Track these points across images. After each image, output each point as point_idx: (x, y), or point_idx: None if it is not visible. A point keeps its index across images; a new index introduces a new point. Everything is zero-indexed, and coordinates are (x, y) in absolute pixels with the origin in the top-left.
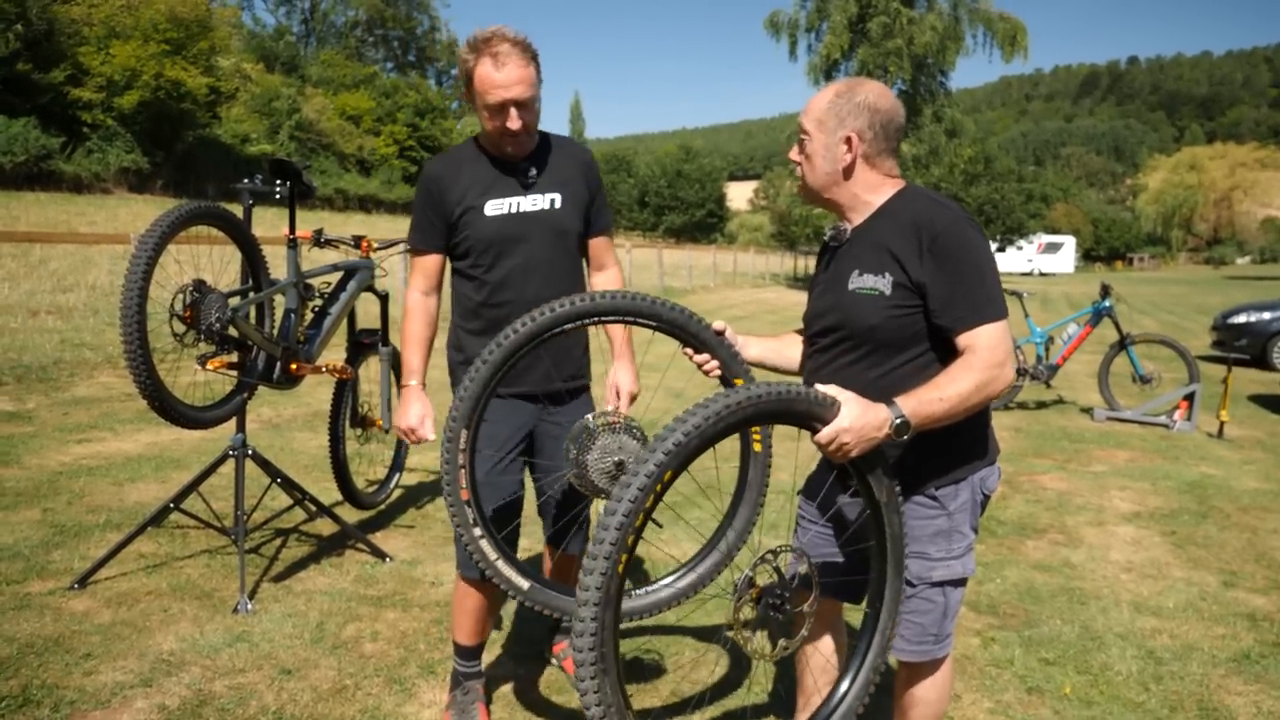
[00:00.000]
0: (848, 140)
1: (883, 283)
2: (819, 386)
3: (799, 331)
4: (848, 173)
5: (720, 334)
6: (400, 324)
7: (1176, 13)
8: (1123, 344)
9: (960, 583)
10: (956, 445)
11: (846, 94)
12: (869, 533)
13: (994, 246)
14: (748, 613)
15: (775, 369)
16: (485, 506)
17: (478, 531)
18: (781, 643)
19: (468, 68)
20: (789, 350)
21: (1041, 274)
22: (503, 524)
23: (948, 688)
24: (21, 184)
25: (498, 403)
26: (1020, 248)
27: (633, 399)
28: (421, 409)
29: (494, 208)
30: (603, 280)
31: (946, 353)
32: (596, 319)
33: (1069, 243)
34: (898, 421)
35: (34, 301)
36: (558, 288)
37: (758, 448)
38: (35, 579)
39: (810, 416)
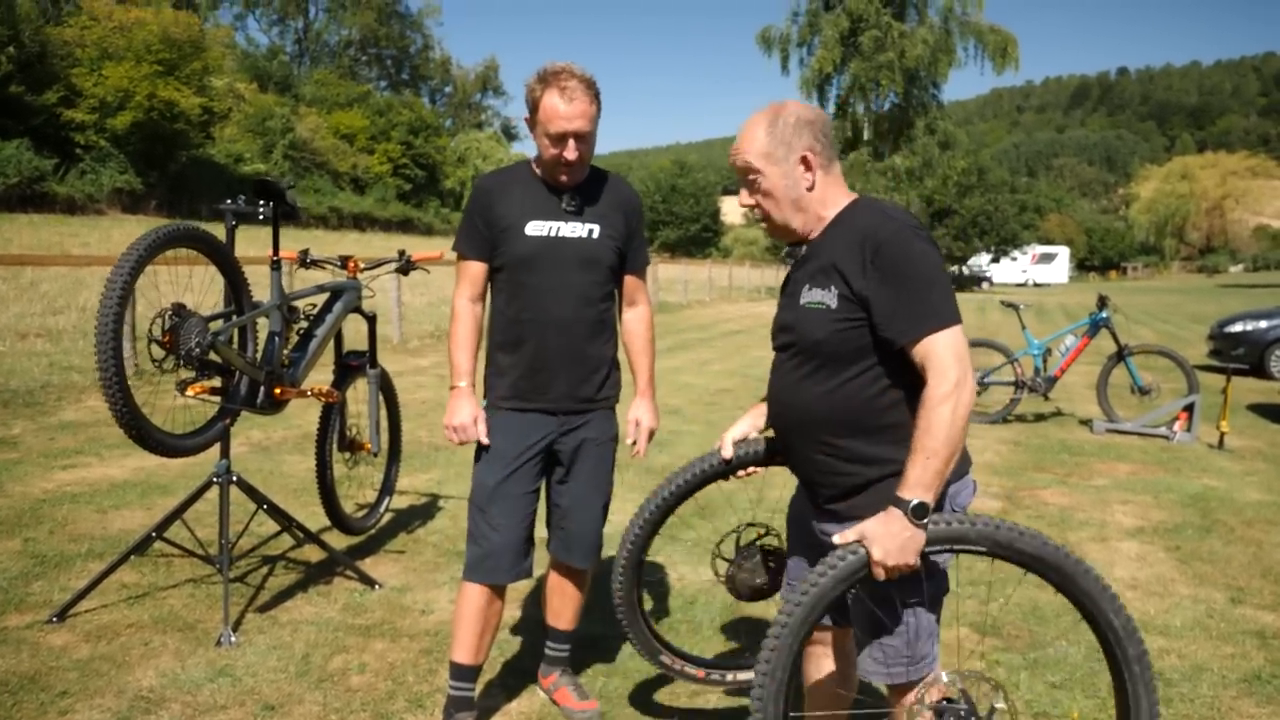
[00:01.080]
0: (804, 160)
1: (829, 296)
2: (836, 538)
3: None
4: (810, 190)
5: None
6: (448, 328)
7: (1165, 22)
8: (1121, 355)
9: (930, 603)
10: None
11: (777, 120)
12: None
13: (988, 258)
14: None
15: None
16: (495, 515)
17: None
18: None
19: (535, 96)
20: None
21: (1036, 284)
22: (512, 532)
23: None
24: (15, 206)
25: (511, 415)
26: (1014, 258)
27: (652, 434)
28: (472, 409)
29: (534, 228)
30: (631, 316)
31: (897, 366)
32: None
33: (1063, 253)
34: (913, 507)
35: (23, 324)
36: (584, 313)
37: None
38: (13, 612)
39: (852, 579)
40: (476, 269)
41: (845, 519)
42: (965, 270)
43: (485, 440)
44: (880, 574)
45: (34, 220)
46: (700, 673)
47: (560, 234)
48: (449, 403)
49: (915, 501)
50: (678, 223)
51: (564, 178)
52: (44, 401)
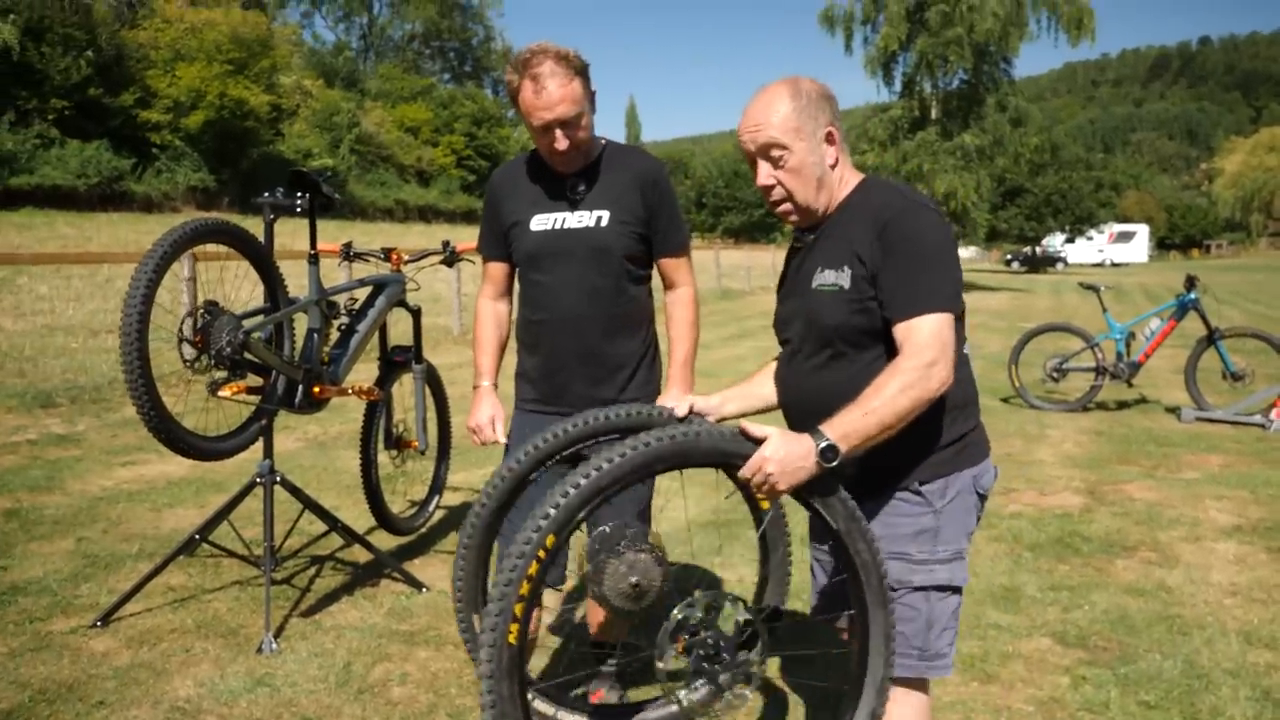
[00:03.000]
0: (829, 136)
1: (842, 277)
2: (743, 424)
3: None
4: (834, 167)
5: (689, 416)
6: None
7: None
8: (1211, 339)
9: (948, 591)
10: (941, 442)
11: (797, 95)
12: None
13: (1062, 238)
14: (676, 663)
15: (761, 413)
16: (514, 519)
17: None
18: (728, 696)
19: (513, 89)
20: (763, 389)
21: (1113, 264)
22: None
23: None
24: (95, 205)
25: (534, 417)
26: (1090, 238)
27: None
28: (491, 409)
29: (539, 223)
30: (670, 300)
31: None
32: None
33: (1142, 231)
34: (823, 447)
35: (96, 321)
36: (596, 308)
37: (765, 504)
38: (59, 616)
39: (726, 455)
40: (495, 268)
41: (866, 499)
42: (1038, 251)
43: (502, 439)
44: (750, 471)
45: (113, 218)
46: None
47: (566, 225)
48: (471, 403)
49: (828, 443)
50: (741, 208)
51: (560, 167)
52: (110, 398)
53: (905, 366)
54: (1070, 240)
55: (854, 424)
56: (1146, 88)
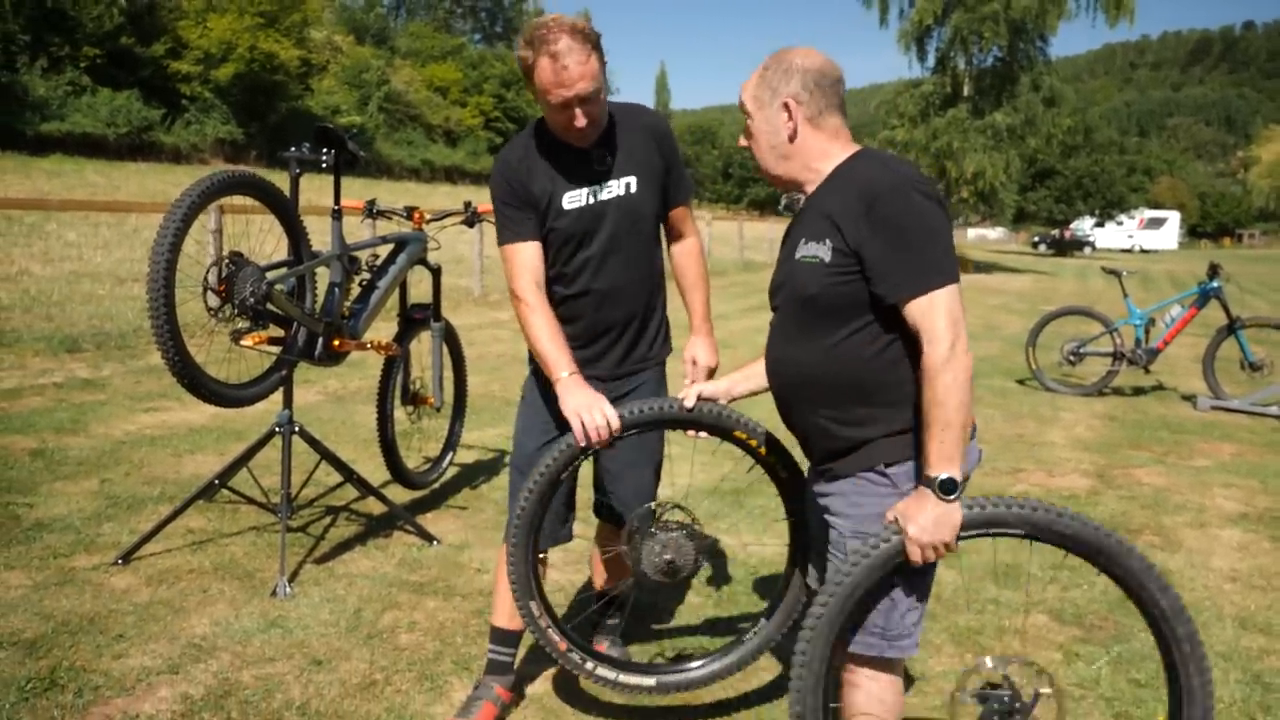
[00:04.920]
0: (785, 107)
1: (823, 250)
2: (887, 518)
3: None
4: (792, 139)
5: (699, 404)
6: (522, 330)
7: None
8: (1231, 327)
9: (913, 573)
10: (911, 422)
11: (774, 65)
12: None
13: (1091, 222)
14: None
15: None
16: (531, 478)
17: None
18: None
19: (526, 64)
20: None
21: (1142, 250)
22: (552, 499)
23: (893, 704)
24: (125, 155)
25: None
26: (1120, 223)
27: (711, 372)
28: (591, 396)
29: (571, 200)
30: (680, 250)
31: (894, 323)
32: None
33: (1173, 218)
34: (940, 482)
35: (123, 270)
36: (633, 273)
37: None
38: (83, 553)
39: (890, 567)
40: (528, 253)
41: (839, 477)
42: (1066, 234)
43: (615, 423)
44: (916, 555)
45: (141, 169)
46: (561, 644)
47: (599, 198)
48: (562, 399)
49: (942, 477)
50: (767, 180)
51: (578, 142)
52: (135, 345)
53: (936, 362)
54: (1099, 224)
55: (943, 446)
56: (1186, 72)
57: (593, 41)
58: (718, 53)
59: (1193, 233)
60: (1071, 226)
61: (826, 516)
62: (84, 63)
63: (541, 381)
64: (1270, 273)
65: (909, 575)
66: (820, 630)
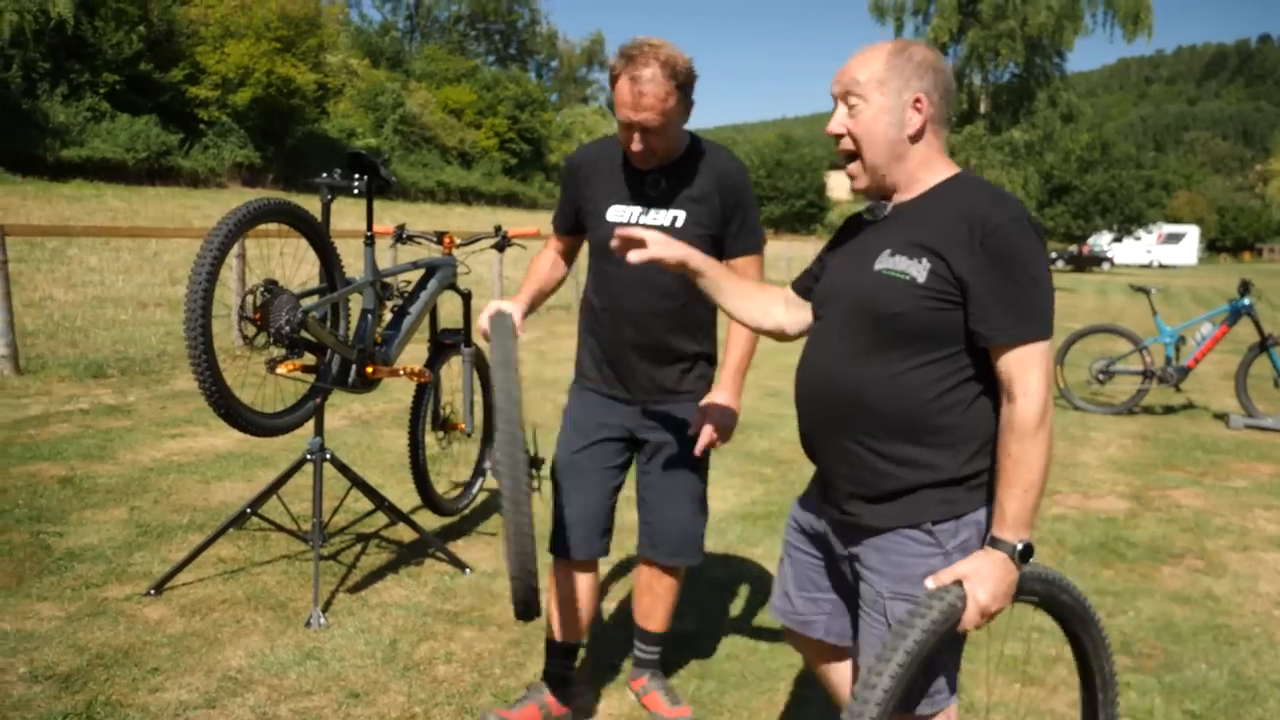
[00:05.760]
0: (916, 101)
1: (917, 269)
2: (929, 582)
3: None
4: (914, 140)
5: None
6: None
7: None
8: (1264, 345)
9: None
10: (960, 472)
11: (903, 53)
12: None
13: (1109, 237)
14: None
15: (738, 315)
16: (567, 489)
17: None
18: None
19: (613, 74)
20: (765, 302)
21: (1161, 266)
22: (584, 509)
23: None
24: (143, 179)
25: (588, 395)
26: (1139, 238)
27: (725, 433)
28: (497, 306)
29: (615, 214)
30: None
31: (974, 363)
32: None
33: (1192, 233)
34: (1020, 550)
35: (145, 294)
36: (661, 304)
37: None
38: (114, 583)
39: (944, 631)
40: (561, 239)
41: (877, 531)
42: (1084, 250)
43: (485, 325)
44: (974, 622)
45: (160, 193)
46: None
47: (640, 221)
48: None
49: (1024, 544)
50: (783, 198)
51: (635, 163)
52: (159, 370)
53: (1030, 422)
54: (1118, 240)
55: (1023, 509)
56: (1201, 86)
57: (680, 80)
58: (727, 71)
59: (1211, 247)
60: (1089, 242)
61: (859, 568)
62: (103, 89)
63: (580, 395)
64: None
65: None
66: (875, 703)
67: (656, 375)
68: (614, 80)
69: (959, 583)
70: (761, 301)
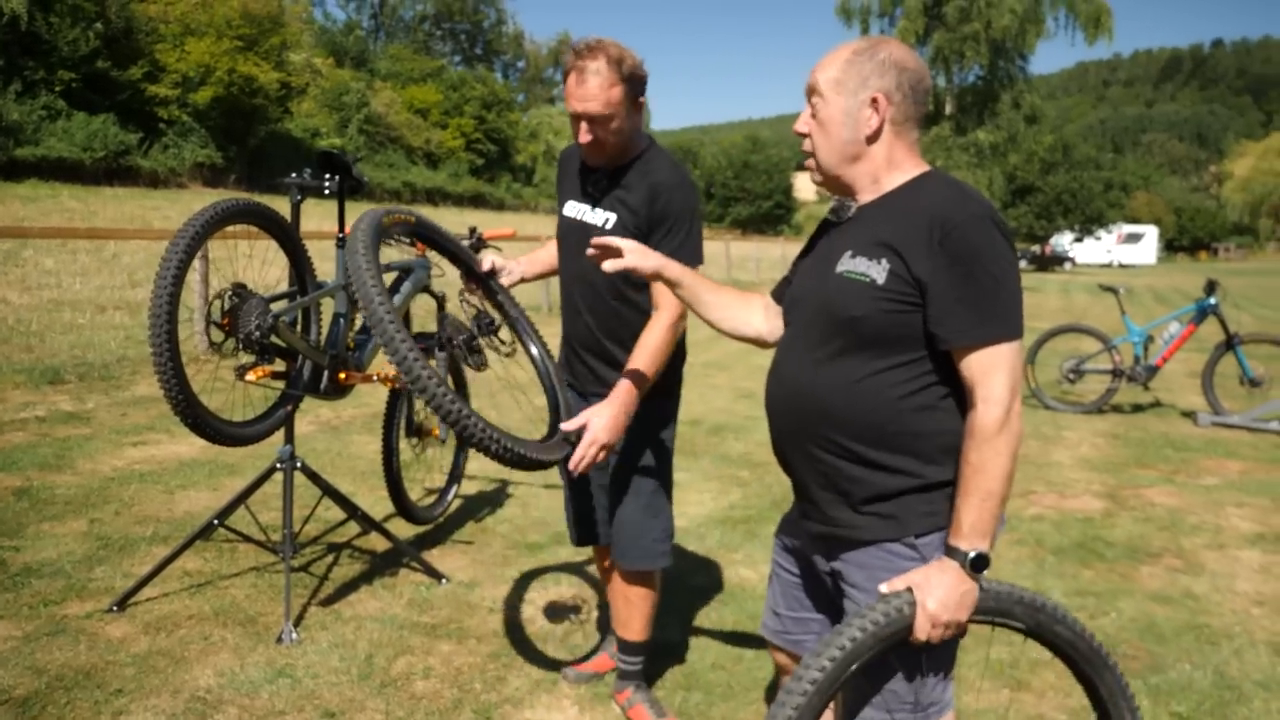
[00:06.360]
0: (873, 101)
1: (876, 269)
2: (882, 588)
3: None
4: (871, 141)
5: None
6: None
7: None
8: (1230, 344)
9: (938, 647)
10: (937, 478)
11: (867, 51)
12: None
13: (1070, 237)
14: None
15: (718, 325)
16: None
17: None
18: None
19: (565, 68)
20: (744, 311)
21: (1121, 265)
22: (574, 500)
23: None
24: (101, 179)
25: (571, 390)
26: (1099, 238)
27: (604, 450)
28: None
29: (570, 209)
30: (651, 319)
31: (938, 365)
32: None
33: (1150, 233)
34: (972, 559)
35: (103, 297)
36: (595, 303)
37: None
38: (74, 600)
39: (890, 636)
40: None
41: (858, 544)
42: (1047, 250)
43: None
44: (926, 632)
45: (119, 193)
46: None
47: (585, 219)
48: None
49: (975, 553)
50: (750, 199)
51: (585, 158)
52: (119, 375)
53: (990, 427)
54: (1079, 240)
55: (981, 518)
56: (1158, 89)
57: (626, 75)
58: (696, 73)
59: (1169, 246)
60: (1051, 242)
61: (842, 584)
62: (59, 86)
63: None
64: (1249, 285)
65: (934, 646)
66: (810, 699)
67: (599, 371)
68: (565, 75)
69: (910, 589)
70: (741, 311)
